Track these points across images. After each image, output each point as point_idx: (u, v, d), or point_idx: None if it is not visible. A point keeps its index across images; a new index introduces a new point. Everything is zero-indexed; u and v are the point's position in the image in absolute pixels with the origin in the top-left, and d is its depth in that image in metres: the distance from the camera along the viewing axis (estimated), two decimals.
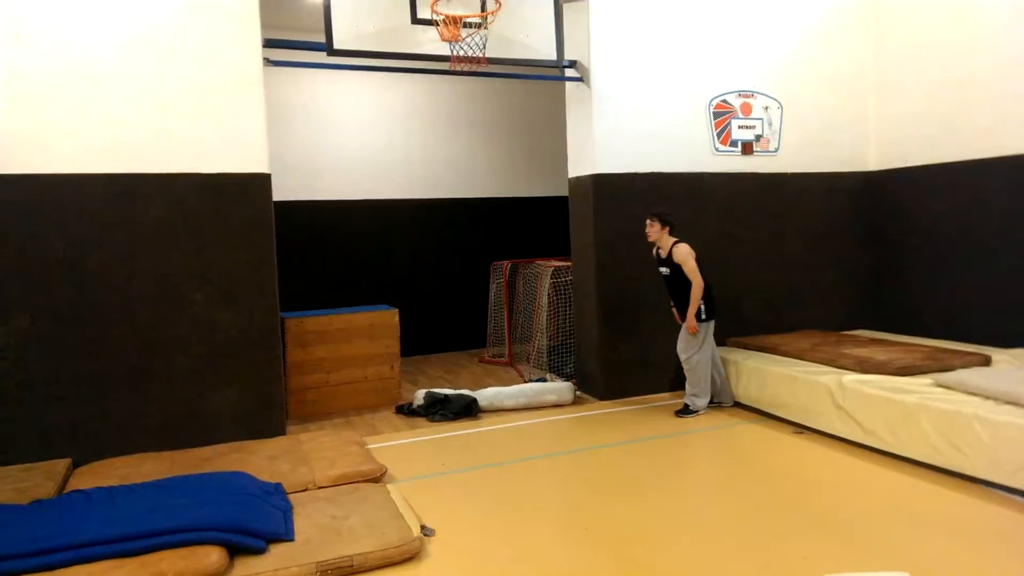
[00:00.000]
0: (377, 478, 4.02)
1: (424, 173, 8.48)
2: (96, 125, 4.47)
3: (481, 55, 5.27)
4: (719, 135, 6.24)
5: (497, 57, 5.39)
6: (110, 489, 3.57)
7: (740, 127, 6.32)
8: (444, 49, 5.24)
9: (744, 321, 6.25)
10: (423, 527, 3.41)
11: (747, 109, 6.35)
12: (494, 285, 8.09)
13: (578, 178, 6.08)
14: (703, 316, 5.21)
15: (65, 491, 3.82)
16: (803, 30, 6.49)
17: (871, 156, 6.78)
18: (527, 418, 5.47)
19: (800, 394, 4.92)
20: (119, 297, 4.52)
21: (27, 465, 4.20)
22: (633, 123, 5.92)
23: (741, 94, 6.32)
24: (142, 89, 4.56)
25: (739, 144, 6.32)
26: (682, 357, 5.36)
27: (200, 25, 4.67)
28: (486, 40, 5.29)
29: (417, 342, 8.05)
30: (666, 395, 5.91)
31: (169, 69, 4.61)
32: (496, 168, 8.87)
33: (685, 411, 5.35)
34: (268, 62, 4.99)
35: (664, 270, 5.31)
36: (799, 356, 5.39)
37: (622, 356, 5.87)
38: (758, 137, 6.40)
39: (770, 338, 5.95)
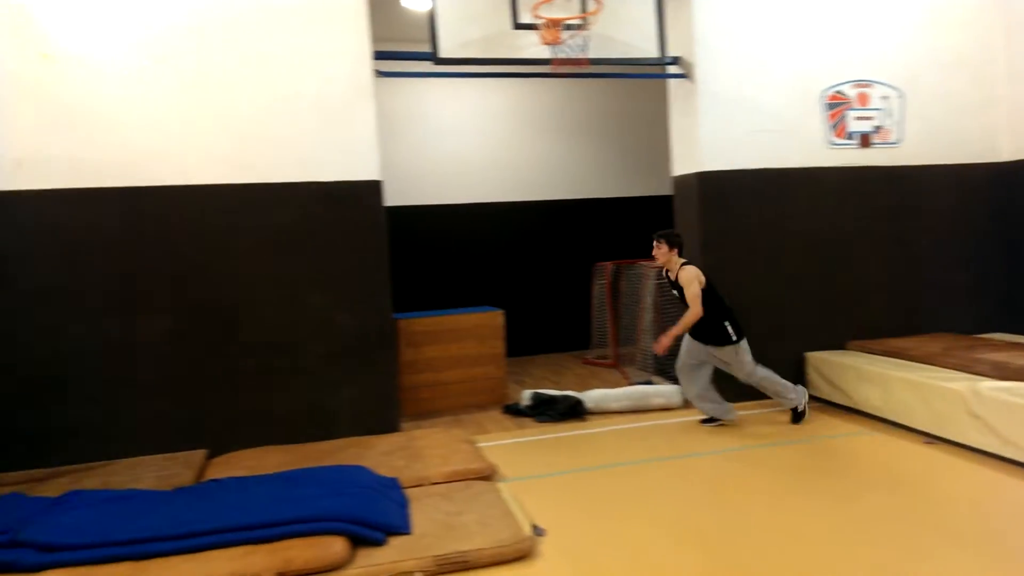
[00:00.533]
0: (487, 476, 4.10)
1: (527, 175, 8.57)
2: (222, 139, 4.78)
3: (582, 56, 5.27)
4: (834, 127, 5.96)
5: (598, 57, 5.37)
6: (242, 479, 3.82)
7: (857, 118, 6.01)
8: (546, 52, 5.27)
9: (865, 324, 5.92)
10: (534, 527, 3.43)
11: (864, 99, 6.03)
12: (597, 286, 8.05)
13: (683, 176, 5.96)
14: (733, 338, 4.89)
15: (202, 479, 4.12)
16: (923, 13, 6.09)
17: (1003, 145, 6.28)
18: (634, 421, 5.40)
19: (930, 401, 4.61)
20: (247, 299, 4.83)
21: (168, 455, 4.56)
22: (741, 118, 5.75)
23: (857, 84, 6.00)
24: (263, 104, 4.84)
25: (856, 136, 6.01)
26: (749, 379, 5.07)
27: (316, 41, 4.91)
28: (587, 41, 5.28)
29: (521, 343, 8.12)
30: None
31: (288, 84, 4.87)
32: (598, 168, 8.84)
33: (797, 417, 5.12)
34: (378, 73, 5.18)
35: (677, 293, 5.02)
36: (928, 361, 5.06)
37: None
38: (877, 128, 6.06)
39: (895, 341, 5.62)
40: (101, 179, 4.60)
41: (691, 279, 4.83)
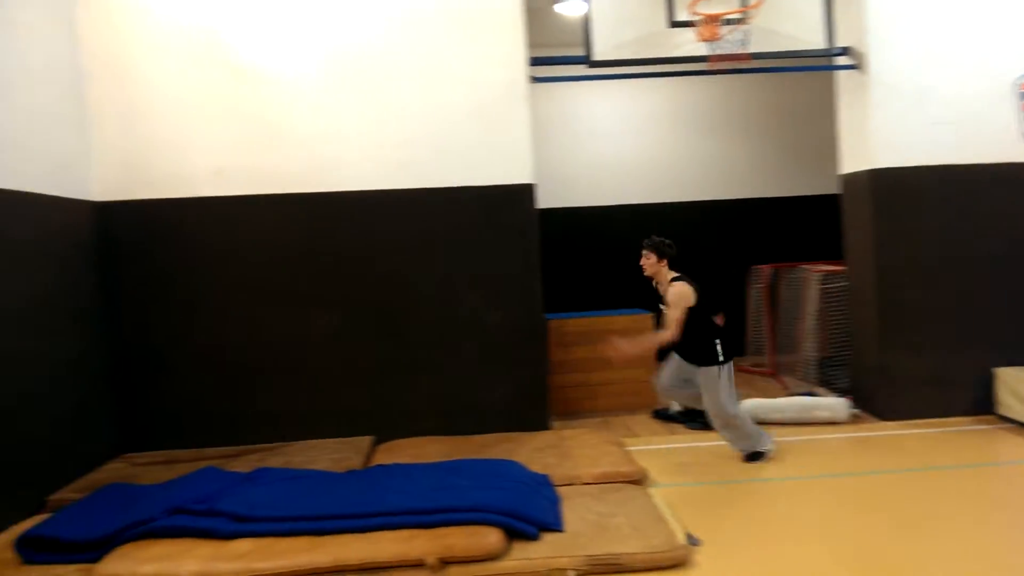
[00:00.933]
0: (638, 480, 4.07)
1: (681, 175, 8.37)
2: (390, 146, 5.09)
3: (742, 51, 5.09)
4: None
5: (760, 52, 5.16)
6: (406, 466, 4.05)
7: None
8: (703, 49, 5.15)
9: None
10: (689, 535, 3.36)
11: None
12: (754, 290, 7.72)
13: (853, 174, 5.58)
14: (720, 358, 4.33)
15: (370, 464, 4.41)
16: None
17: None
18: (795, 434, 5.11)
19: None
20: (409, 297, 5.11)
21: (340, 439, 4.90)
22: (919, 111, 5.29)
23: None
24: (427, 113, 5.09)
25: None
26: (715, 414, 4.43)
27: (475, 51, 5.10)
28: (747, 35, 5.10)
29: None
30: (964, 419, 5.18)
31: (448, 92, 5.10)
32: (756, 167, 8.46)
33: (754, 456, 4.48)
34: (533, 79, 5.29)
35: (664, 308, 4.54)
36: None
37: (907, 372, 5.25)
38: None
39: None
40: (286, 185, 5.04)
41: (677, 300, 4.37)
